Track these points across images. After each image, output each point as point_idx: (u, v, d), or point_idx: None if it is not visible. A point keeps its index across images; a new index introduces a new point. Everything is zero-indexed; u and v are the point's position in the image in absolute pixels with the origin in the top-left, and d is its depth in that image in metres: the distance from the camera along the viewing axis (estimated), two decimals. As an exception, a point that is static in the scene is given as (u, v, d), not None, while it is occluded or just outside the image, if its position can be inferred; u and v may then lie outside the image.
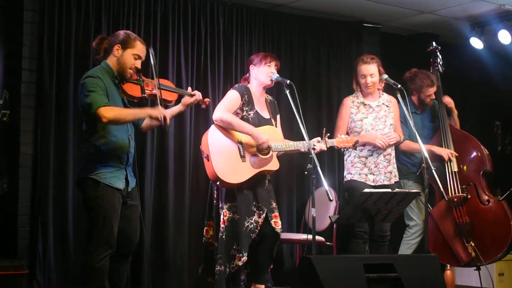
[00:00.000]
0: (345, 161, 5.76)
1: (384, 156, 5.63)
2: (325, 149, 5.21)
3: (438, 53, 6.34)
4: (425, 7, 7.00)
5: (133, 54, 4.43)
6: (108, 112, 4.17)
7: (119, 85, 4.47)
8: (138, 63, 4.46)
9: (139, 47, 4.45)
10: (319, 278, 4.14)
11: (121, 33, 4.50)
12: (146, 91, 4.48)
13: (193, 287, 6.27)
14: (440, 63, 6.32)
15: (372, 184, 5.56)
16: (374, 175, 5.58)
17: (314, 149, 5.08)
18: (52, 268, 5.72)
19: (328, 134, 5.22)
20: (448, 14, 7.17)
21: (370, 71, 5.62)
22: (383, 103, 5.75)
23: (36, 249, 5.68)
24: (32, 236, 5.72)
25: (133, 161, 4.55)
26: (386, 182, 5.61)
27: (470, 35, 7.40)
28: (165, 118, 4.36)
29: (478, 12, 7.11)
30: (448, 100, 6.25)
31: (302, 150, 5.15)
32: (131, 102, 4.57)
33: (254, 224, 5.04)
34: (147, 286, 6.00)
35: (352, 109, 5.68)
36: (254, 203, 5.08)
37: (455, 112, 6.30)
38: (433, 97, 6.17)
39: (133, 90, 4.47)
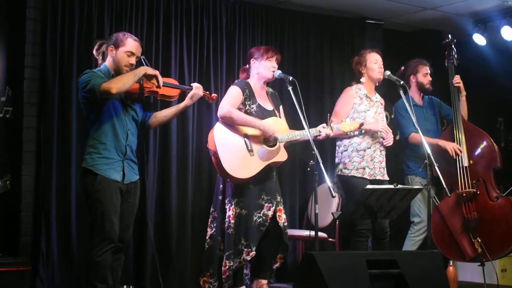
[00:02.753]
0: (338, 153, 5.68)
1: (380, 151, 5.63)
2: (331, 134, 5.22)
3: (453, 46, 6.32)
4: (428, 4, 6.99)
5: (125, 51, 4.56)
6: (111, 84, 4.34)
7: None
8: (132, 60, 4.58)
9: (131, 44, 4.57)
10: (321, 274, 4.14)
11: (115, 34, 4.65)
12: (145, 88, 4.57)
13: (196, 283, 6.28)
14: (455, 56, 6.30)
15: (368, 177, 5.56)
16: (370, 168, 5.57)
17: (319, 135, 5.15)
18: (55, 265, 5.73)
19: (333, 120, 5.22)
20: (451, 11, 7.16)
21: (380, 58, 5.73)
22: (377, 101, 5.78)
23: (39, 246, 5.70)
24: (35, 233, 5.74)
25: (138, 158, 4.64)
26: (380, 177, 5.60)
27: (473, 31, 7.39)
28: (157, 75, 4.53)
29: (481, 9, 7.10)
30: (457, 80, 6.21)
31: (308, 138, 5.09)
32: (131, 99, 4.62)
33: (264, 217, 5.03)
34: (150, 283, 6.02)
35: (356, 99, 5.66)
36: (262, 197, 5.08)
37: (464, 93, 6.24)
38: (430, 78, 6.20)
39: (131, 87, 4.52)
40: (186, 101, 4.81)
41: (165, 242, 6.17)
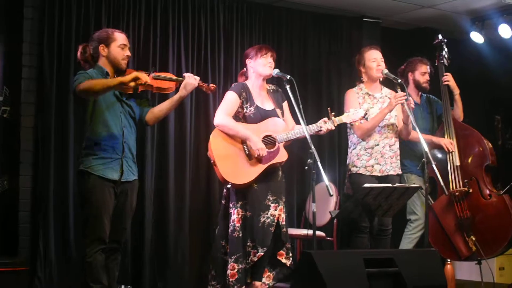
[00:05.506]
0: (349, 153, 5.74)
1: (389, 146, 5.64)
2: (333, 128, 5.19)
3: (444, 46, 6.31)
4: (425, 2, 6.98)
5: (118, 46, 4.55)
6: (82, 84, 4.32)
7: None
8: (126, 51, 4.58)
9: (120, 37, 4.58)
10: (319, 273, 4.14)
11: (99, 33, 4.62)
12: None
13: (194, 283, 6.28)
14: (446, 56, 6.28)
15: (379, 174, 5.57)
16: (380, 165, 5.58)
17: (321, 130, 5.12)
18: (53, 265, 5.72)
19: (334, 113, 5.20)
20: (448, 9, 7.16)
21: (380, 55, 5.71)
22: (385, 95, 5.78)
23: (37, 245, 5.69)
24: (33, 232, 5.73)
25: (135, 157, 4.63)
26: (392, 172, 5.63)
27: (470, 29, 7.38)
28: (138, 77, 4.42)
29: (478, 6, 7.10)
30: (446, 78, 6.18)
31: (308, 134, 5.02)
32: (126, 95, 4.60)
33: (271, 217, 5.02)
34: (148, 283, 6.02)
35: (359, 99, 5.68)
36: (268, 197, 5.07)
37: (457, 91, 6.22)
38: (428, 78, 6.20)
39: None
40: (180, 92, 4.73)
41: (162, 242, 6.17)
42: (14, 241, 5.68)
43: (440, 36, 6.32)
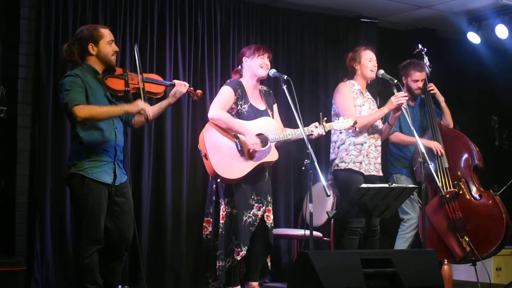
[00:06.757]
0: (335, 148, 5.65)
1: (375, 147, 5.63)
2: (324, 133, 5.19)
3: (425, 55, 6.34)
4: (422, 2, 7.00)
5: (107, 42, 4.47)
6: (81, 111, 4.22)
7: (103, 81, 4.48)
8: (114, 46, 4.52)
9: (106, 33, 4.49)
10: (316, 273, 4.14)
11: (84, 31, 4.48)
12: (130, 84, 4.50)
13: (191, 283, 6.28)
14: (427, 64, 6.31)
15: (364, 173, 5.54)
16: (365, 163, 5.57)
17: (312, 134, 5.11)
18: (50, 265, 5.72)
19: (325, 118, 5.20)
20: (445, 9, 7.17)
21: (375, 57, 5.71)
22: (370, 98, 5.79)
23: (34, 246, 5.69)
24: (30, 233, 5.72)
25: (128, 159, 4.58)
26: (374, 173, 5.60)
27: (467, 29, 7.40)
28: (145, 110, 4.40)
29: (475, 7, 7.11)
30: (431, 88, 6.22)
31: (300, 137, 5.06)
32: (116, 96, 4.58)
33: (253, 217, 5.03)
34: (144, 284, 6.02)
35: (353, 93, 5.67)
36: (252, 197, 5.07)
37: (442, 98, 6.27)
38: (420, 85, 6.20)
39: (117, 84, 4.50)
40: (170, 99, 4.73)
41: (159, 242, 6.17)
42: (11, 241, 5.68)
43: (420, 46, 6.36)
